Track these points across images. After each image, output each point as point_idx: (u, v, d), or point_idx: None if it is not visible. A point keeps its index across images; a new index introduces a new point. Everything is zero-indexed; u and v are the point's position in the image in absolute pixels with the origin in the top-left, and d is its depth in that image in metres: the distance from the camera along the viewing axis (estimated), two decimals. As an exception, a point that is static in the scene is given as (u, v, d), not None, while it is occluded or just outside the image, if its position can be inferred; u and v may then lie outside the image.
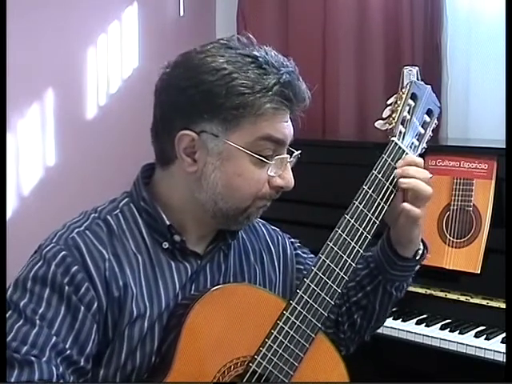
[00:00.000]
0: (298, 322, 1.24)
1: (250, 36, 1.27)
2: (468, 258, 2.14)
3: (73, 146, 2.88)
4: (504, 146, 1.98)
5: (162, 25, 3.21)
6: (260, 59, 1.22)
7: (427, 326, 2.08)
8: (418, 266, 1.42)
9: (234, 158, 1.22)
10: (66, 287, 1.17)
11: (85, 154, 2.90)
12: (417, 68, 1.39)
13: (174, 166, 1.26)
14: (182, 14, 3.24)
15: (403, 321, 2.12)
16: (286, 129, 1.25)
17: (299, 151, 1.29)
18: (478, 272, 2.11)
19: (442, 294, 2.17)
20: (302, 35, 3.10)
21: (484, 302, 2.09)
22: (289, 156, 1.27)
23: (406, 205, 1.31)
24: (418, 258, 1.39)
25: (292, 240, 1.49)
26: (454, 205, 2.20)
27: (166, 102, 1.26)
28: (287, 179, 1.26)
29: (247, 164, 1.23)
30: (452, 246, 2.18)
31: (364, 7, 2.95)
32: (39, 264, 1.19)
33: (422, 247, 1.40)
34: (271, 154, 1.24)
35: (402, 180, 1.30)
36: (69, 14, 2.84)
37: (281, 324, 1.23)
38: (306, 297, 1.25)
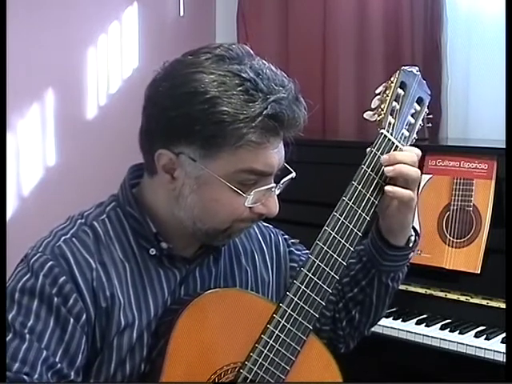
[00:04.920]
0: (288, 326, 1.21)
1: (245, 47, 1.21)
2: (468, 258, 2.14)
3: (73, 146, 2.88)
4: (504, 146, 1.98)
5: (161, 25, 3.21)
6: (248, 83, 1.14)
7: (427, 326, 2.08)
8: (412, 254, 1.38)
9: (212, 184, 1.18)
10: (55, 298, 1.16)
11: (85, 154, 2.90)
12: (416, 68, 1.37)
13: (158, 178, 1.23)
14: (182, 13, 3.24)
15: (403, 321, 2.12)
16: (272, 158, 1.19)
17: (289, 176, 1.25)
18: (478, 272, 2.11)
19: (442, 294, 2.16)
20: (302, 35, 3.10)
21: (484, 302, 2.08)
22: (273, 185, 1.21)
23: (393, 188, 1.25)
24: (410, 245, 1.36)
25: (285, 236, 1.47)
26: (454, 205, 2.20)
27: (149, 117, 1.22)
28: (269, 207, 1.22)
29: (225, 192, 1.18)
30: (452, 246, 2.18)
31: (364, 7, 2.95)
32: (27, 275, 1.17)
33: (413, 234, 1.36)
34: (254, 183, 1.19)
35: (386, 168, 1.25)
36: (69, 13, 2.84)
37: (271, 328, 1.21)
38: (296, 299, 1.22)
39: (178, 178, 1.20)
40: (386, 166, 1.26)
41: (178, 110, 1.16)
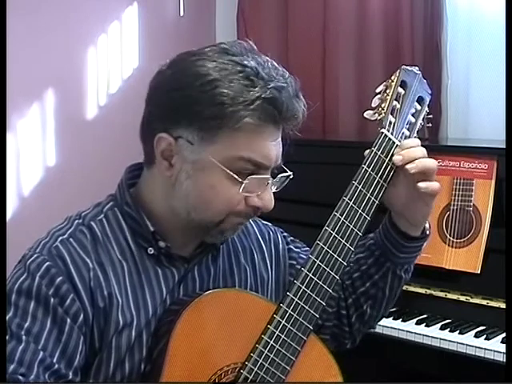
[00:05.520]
0: (289, 326, 1.21)
1: (251, 43, 1.24)
2: (468, 258, 2.14)
3: (73, 146, 2.88)
4: (504, 146, 1.98)
5: (162, 25, 3.21)
6: (249, 69, 1.17)
7: (427, 326, 2.08)
8: (425, 244, 1.39)
9: (208, 169, 1.18)
10: (52, 299, 1.16)
11: (85, 154, 2.90)
12: (416, 68, 1.37)
13: (155, 167, 1.24)
14: (182, 13, 3.24)
15: (403, 321, 2.12)
16: (270, 150, 1.19)
17: (287, 174, 1.25)
18: (478, 272, 2.11)
19: (442, 294, 2.16)
20: (301, 35, 3.09)
21: (484, 302, 2.08)
22: (269, 177, 1.22)
23: (427, 184, 1.27)
24: (427, 232, 1.37)
25: (284, 234, 1.47)
26: (453, 205, 2.20)
27: (151, 102, 1.24)
28: (265, 200, 1.22)
29: (221, 178, 1.19)
30: (452, 246, 2.18)
31: (364, 7, 2.95)
32: (23, 276, 1.18)
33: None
34: (250, 173, 1.19)
35: (409, 166, 1.26)
36: (69, 14, 2.84)
37: (271, 328, 1.21)
38: (296, 299, 1.22)
39: (175, 164, 1.20)
40: (406, 164, 1.26)
41: (178, 92, 1.18)
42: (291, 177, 1.26)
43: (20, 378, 1.11)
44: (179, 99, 1.18)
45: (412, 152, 1.28)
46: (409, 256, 1.39)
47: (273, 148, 1.20)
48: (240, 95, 1.15)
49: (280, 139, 1.22)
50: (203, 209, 1.21)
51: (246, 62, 1.18)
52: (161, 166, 1.22)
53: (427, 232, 1.37)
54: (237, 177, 1.18)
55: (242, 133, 1.17)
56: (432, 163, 1.29)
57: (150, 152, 1.23)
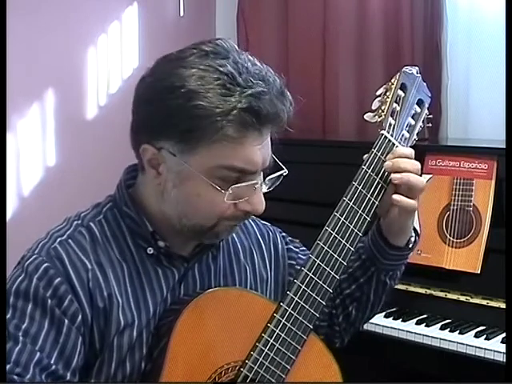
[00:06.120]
0: (289, 325, 1.22)
1: (232, 42, 1.21)
2: (468, 258, 2.14)
3: (73, 146, 2.88)
4: (504, 146, 1.98)
5: (162, 25, 3.21)
6: (226, 77, 1.14)
7: (427, 326, 2.08)
8: (411, 254, 1.39)
9: (193, 179, 1.18)
10: (49, 300, 1.16)
11: (85, 154, 2.90)
12: (416, 68, 1.38)
13: (146, 174, 1.24)
14: (182, 13, 3.24)
15: (403, 321, 2.12)
16: (254, 155, 1.17)
17: (279, 173, 1.24)
18: (478, 272, 2.11)
19: (442, 294, 2.16)
20: (302, 35, 3.09)
21: (484, 302, 2.08)
22: (256, 182, 1.19)
23: (400, 198, 1.27)
24: (410, 246, 1.37)
25: (283, 234, 1.47)
26: (454, 205, 2.20)
27: (135, 112, 1.23)
28: (254, 204, 1.20)
29: (206, 187, 1.18)
30: (452, 246, 2.18)
31: (364, 7, 2.95)
32: (21, 277, 1.18)
33: (413, 234, 1.37)
34: (236, 180, 1.18)
35: (394, 176, 1.26)
36: (69, 14, 2.84)
37: (271, 327, 1.21)
38: (296, 298, 1.22)
39: (162, 173, 1.20)
40: (392, 172, 1.26)
41: (157, 104, 1.17)
42: (285, 174, 1.25)
43: (15, 377, 1.11)
44: (157, 112, 1.17)
45: (402, 162, 1.27)
46: (392, 263, 1.38)
47: (257, 152, 1.18)
48: (216, 106, 1.13)
49: (268, 140, 1.20)
50: (193, 215, 1.21)
51: (222, 69, 1.15)
52: (149, 173, 1.22)
53: (411, 245, 1.37)
54: (219, 188, 1.17)
55: (222, 143, 1.15)
56: (419, 182, 1.28)
57: (140, 160, 1.23)
